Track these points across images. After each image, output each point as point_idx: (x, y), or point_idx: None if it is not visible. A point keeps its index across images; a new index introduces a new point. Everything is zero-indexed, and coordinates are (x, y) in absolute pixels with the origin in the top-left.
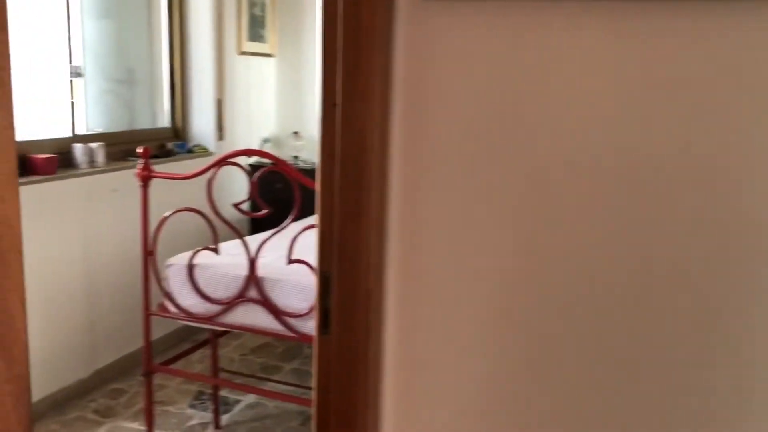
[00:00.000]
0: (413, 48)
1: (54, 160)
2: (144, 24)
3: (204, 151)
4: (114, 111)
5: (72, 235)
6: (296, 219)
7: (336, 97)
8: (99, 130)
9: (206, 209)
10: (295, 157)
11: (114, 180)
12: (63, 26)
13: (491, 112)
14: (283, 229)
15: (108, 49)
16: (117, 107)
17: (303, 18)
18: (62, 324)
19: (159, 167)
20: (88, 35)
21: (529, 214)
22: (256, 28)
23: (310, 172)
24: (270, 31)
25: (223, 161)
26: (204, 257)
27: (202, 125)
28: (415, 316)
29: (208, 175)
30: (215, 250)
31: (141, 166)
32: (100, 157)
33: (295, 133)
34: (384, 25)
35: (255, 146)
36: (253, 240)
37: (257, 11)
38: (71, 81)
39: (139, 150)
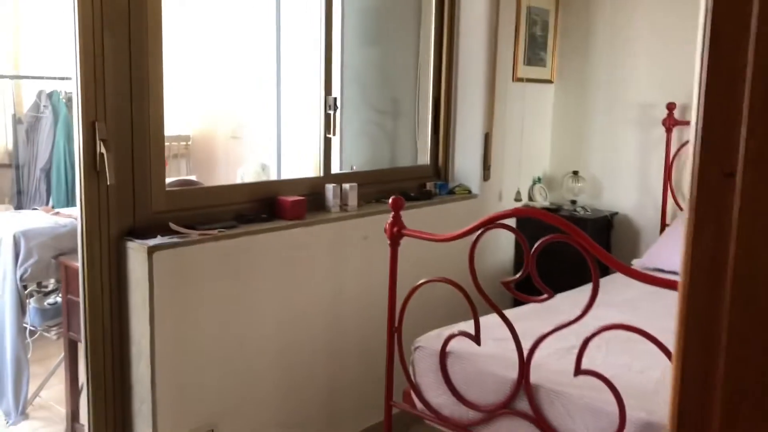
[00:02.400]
0: None
1: (302, 203)
2: (411, 50)
3: (466, 193)
4: (375, 146)
5: (317, 289)
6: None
7: (734, 159)
8: (355, 167)
9: (466, 274)
10: (573, 202)
11: (365, 226)
12: (321, 58)
13: None
14: (570, 324)
15: (372, 80)
16: (378, 142)
17: (591, 37)
18: (304, 385)
19: (417, 211)
20: (356, 63)
21: None
22: (536, 50)
23: (594, 223)
24: (551, 54)
25: (488, 224)
26: (461, 342)
27: (465, 163)
28: None
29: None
30: (476, 339)
31: (391, 221)
32: (353, 200)
33: (575, 173)
34: None
35: (525, 187)
36: (523, 317)
37: (537, 31)
38: (327, 115)
39: (390, 201)
